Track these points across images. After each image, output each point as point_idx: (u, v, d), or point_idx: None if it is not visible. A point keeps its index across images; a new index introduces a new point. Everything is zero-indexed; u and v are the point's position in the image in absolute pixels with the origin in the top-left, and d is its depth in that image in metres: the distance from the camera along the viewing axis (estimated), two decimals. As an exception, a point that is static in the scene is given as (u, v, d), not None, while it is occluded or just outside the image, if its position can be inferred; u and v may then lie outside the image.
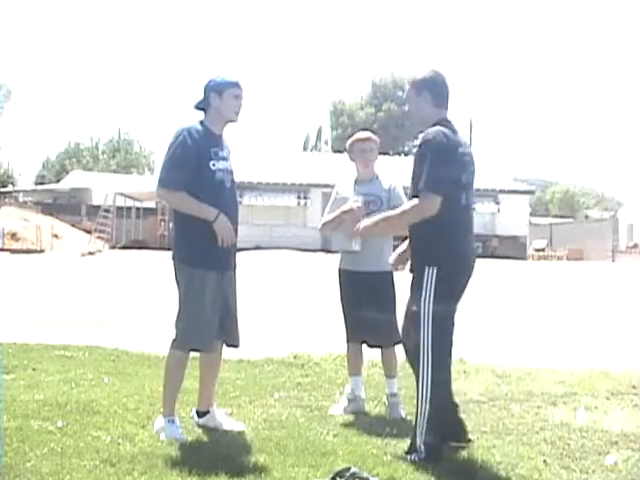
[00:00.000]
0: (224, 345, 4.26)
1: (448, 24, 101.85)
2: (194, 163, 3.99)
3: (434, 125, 3.82)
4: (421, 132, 3.91)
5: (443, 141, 3.73)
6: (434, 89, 3.91)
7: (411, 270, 3.93)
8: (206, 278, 4.03)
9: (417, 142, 3.92)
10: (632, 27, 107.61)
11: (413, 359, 3.87)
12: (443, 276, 3.74)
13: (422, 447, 3.69)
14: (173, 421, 4.04)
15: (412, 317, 3.82)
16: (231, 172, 4.18)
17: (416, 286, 3.81)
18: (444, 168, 3.68)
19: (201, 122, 4.14)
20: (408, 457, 3.68)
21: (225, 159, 4.14)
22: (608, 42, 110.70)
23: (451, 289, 3.80)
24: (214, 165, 4.05)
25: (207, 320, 4.03)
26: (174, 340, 4.11)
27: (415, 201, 3.74)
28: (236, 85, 4.13)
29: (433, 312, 3.73)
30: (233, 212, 4.15)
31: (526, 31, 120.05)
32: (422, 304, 3.74)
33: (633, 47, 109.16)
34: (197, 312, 4.02)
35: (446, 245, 3.77)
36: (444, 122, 3.86)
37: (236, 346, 4.27)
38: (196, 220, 3.99)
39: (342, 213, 4.72)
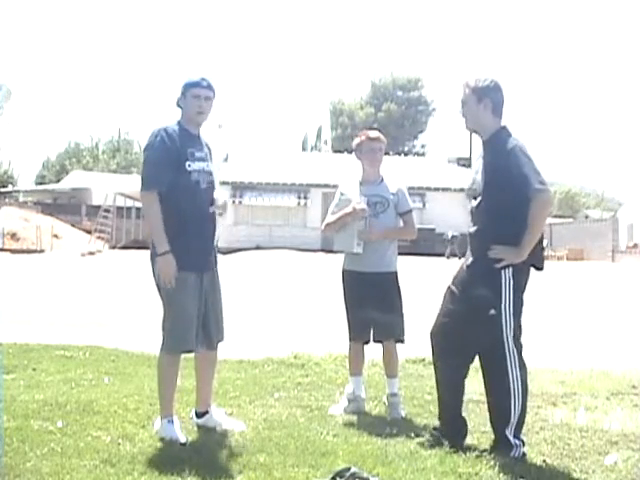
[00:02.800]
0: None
1: (448, 24, 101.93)
2: (171, 163, 3.98)
3: (496, 133, 3.90)
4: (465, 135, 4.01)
5: (524, 146, 3.83)
6: (496, 98, 3.94)
7: (470, 270, 3.95)
8: (185, 280, 4.00)
9: (485, 153, 3.96)
10: (632, 27, 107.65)
11: (491, 363, 3.89)
12: (519, 276, 3.81)
13: (516, 442, 3.80)
14: (172, 421, 4.04)
15: (487, 321, 3.81)
16: (209, 173, 4.15)
17: (489, 289, 3.80)
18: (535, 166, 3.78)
19: (178, 122, 4.13)
20: (504, 456, 3.72)
21: (202, 160, 4.11)
22: (608, 42, 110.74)
23: (524, 288, 3.87)
24: (190, 166, 4.03)
25: (191, 321, 4.02)
26: (162, 343, 4.11)
27: (538, 202, 3.69)
28: (196, 85, 4.08)
29: (514, 314, 3.80)
30: (208, 214, 4.14)
31: (526, 31, 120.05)
32: (503, 307, 3.78)
33: (633, 47, 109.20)
34: (180, 314, 4.01)
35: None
36: (506, 130, 3.93)
37: (220, 340, 4.25)
38: (173, 222, 3.98)
39: (345, 215, 4.72)
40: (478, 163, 4.02)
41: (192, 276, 4.03)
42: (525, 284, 3.89)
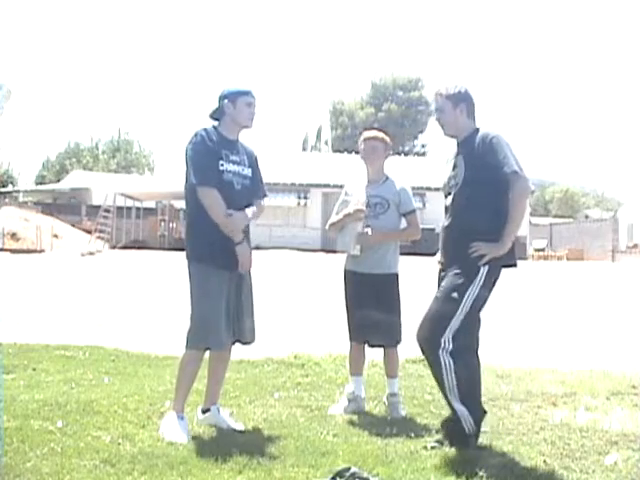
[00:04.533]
0: (239, 343, 4.34)
1: (447, 24, 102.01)
2: (206, 161, 4.12)
3: (473, 132, 4.03)
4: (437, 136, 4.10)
5: (503, 138, 3.95)
6: (469, 103, 4.11)
7: (445, 264, 4.04)
8: (218, 277, 4.10)
9: (461, 151, 4.07)
10: (632, 26, 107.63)
11: (424, 347, 3.95)
12: (493, 275, 3.91)
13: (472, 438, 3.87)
14: (182, 417, 4.09)
15: (445, 302, 3.88)
16: (245, 177, 4.27)
17: (461, 279, 3.87)
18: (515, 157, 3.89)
19: (214, 127, 4.29)
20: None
21: (237, 163, 4.26)
22: (607, 42, 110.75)
23: (492, 286, 3.95)
24: (222, 165, 4.16)
25: (219, 318, 4.09)
26: (187, 338, 4.17)
27: (516, 188, 3.82)
28: (248, 94, 4.29)
29: (472, 307, 3.87)
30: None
31: (525, 31, 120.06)
32: (466, 296, 3.86)
33: (633, 46, 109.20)
34: (209, 311, 4.08)
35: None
36: (481, 130, 4.04)
37: (250, 343, 4.36)
38: (206, 219, 4.08)
39: (345, 216, 4.73)
40: (454, 161, 4.11)
41: (222, 274, 4.10)
42: (493, 285, 3.96)
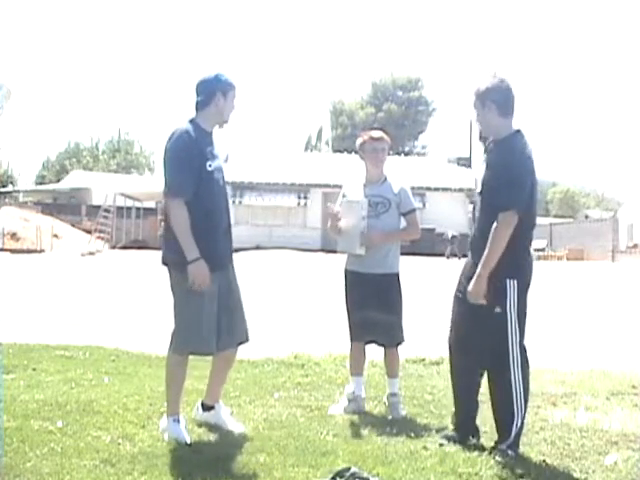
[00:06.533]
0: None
1: (447, 24, 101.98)
2: (195, 167, 3.94)
3: (510, 136, 3.88)
4: (484, 140, 4.06)
5: (531, 157, 3.84)
6: (497, 98, 3.91)
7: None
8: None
9: (490, 152, 3.96)
10: (632, 26, 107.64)
11: (492, 365, 3.92)
12: (522, 287, 3.84)
13: (514, 443, 3.83)
14: (178, 420, 4.03)
15: (493, 325, 3.83)
16: (222, 170, 4.16)
17: (497, 296, 3.80)
18: (524, 186, 3.79)
19: (191, 121, 4.06)
20: (503, 452, 3.77)
21: (217, 157, 4.11)
22: (608, 41, 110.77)
23: (526, 296, 3.90)
24: (210, 165, 4.01)
25: (205, 323, 3.98)
26: (171, 343, 4.09)
27: (504, 220, 3.73)
28: (234, 87, 4.12)
29: (518, 314, 3.83)
30: (226, 210, 4.16)
31: (524, 30, 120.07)
32: (508, 313, 3.81)
33: (633, 46, 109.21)
34: (194, 316, 3.97)
35: (524, 257, 3.87)
36: (521, 135, 3.90)
37: (243, 342, 4.26)
38: (199, 223, 3.93)
39: (331, 219, 4.82)
40: (487, 160, 3.99)
41: (210, 276, 3.95)
42: (528, 286, 3.90)
